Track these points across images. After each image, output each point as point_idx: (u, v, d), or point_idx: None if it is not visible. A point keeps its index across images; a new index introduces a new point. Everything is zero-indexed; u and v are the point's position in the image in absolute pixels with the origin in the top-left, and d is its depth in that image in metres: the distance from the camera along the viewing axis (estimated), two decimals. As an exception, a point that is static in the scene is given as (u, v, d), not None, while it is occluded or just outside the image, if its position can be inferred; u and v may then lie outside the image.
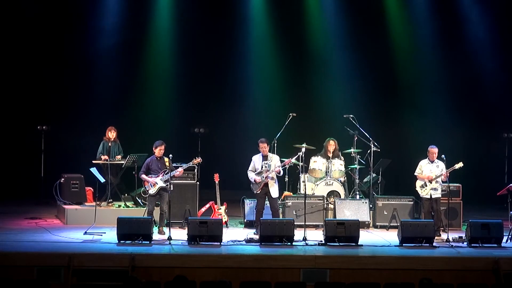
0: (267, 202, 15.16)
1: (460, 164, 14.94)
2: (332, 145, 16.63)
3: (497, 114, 20.03)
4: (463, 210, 16.21)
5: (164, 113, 19.88)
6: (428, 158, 15.22)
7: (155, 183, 14.79)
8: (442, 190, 15.15)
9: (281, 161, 15.27)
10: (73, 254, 12.53)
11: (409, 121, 20.02)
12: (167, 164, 14.76)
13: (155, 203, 14.98)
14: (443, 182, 15.08)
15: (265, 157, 15.07)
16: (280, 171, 15.10)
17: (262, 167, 15.00)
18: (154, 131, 18.62)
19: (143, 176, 14.91)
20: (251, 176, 15.07)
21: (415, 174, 15.33)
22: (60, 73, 19.41)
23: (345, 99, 19.63)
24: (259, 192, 15.02)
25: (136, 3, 19.63)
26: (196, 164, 15.70)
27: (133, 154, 16.32)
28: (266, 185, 14.97)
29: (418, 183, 15.29)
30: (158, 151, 14.90)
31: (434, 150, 15.16)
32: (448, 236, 14.36)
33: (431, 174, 15.13)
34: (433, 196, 15.10)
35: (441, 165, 15.09)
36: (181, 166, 15.18)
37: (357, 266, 12.76)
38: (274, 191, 15.01)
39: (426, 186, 15.14)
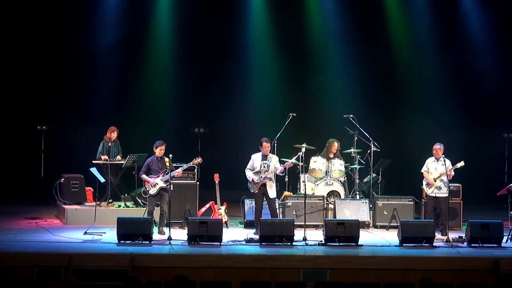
0: (265, 202, 15.17)
1: (462, 163, 14.95)
2: (335, 146, 16.67)
3: (497, 114, 20.03)
4: (463, 210, 16.21)
5: (164, 113, 19.87)
6: (434, 156, 15.22)
7: (155, 183, 14.79)
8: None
9: (281, 162, 15.26)
10: (73, 254, 12.53)
11: (409, 121, 20.02)
12: (167, 164, 14.76)
13: (155, 203, 14.97)
14: (450, 181, 15.07)
15: (264, 157, 15.07)
16: (283, 171, 15.10)
17: (260, 167, 15.00)
18: (154, 131, 18.62)
19: (144, 176, 14.91)
20: (249, 175, 15.06)
21: (421, 171, 15.34)
22: (60, 73, 19.41)
23: (345, 99, 19.62)
24: (256, 191, 15.03)
25: (135, 5, 19.61)
26: (196, 164, 15.70)
27: (133, 154, 16.32)
28: (264, 185, 14.96)
29: (425, 181, 15.31)
30: (159, 151, 14.89)
31: (436, 147, 15.14)
32: (448, 236, 14.38)
33: (435, 172, 15.12)
34: (437, 195, 15.10)
35: (448, 162, 15.09)
36: (181, 166, 15.18)
37: (357, 266, 12.76)
38: (272, 191, 15.01)
39: (431, 184, 15.15)
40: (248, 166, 15.14)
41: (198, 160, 15.32)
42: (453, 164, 15.10)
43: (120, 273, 12.14)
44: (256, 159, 15.12)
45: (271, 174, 14.99)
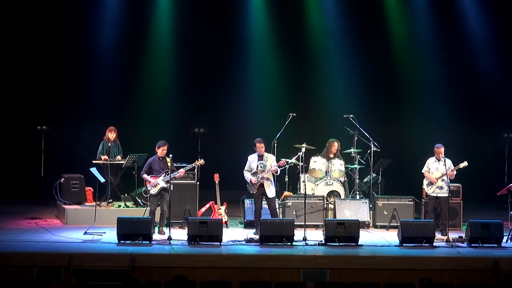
0: (265, 202, 15.17)
1: (465, 163, 14.95)
2: (335, 146, 16.67)
3: (497, 114, 20.03)
4: (463, 210, 16.21)
5: (164, 113, 19.87)
6: (435, 157, 15.23)
7: (156, 183, 14.78)
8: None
9: (278, 161, 15.25)
10: (73, 254, 12.53)
11: (409, 120, 20.03)
12: (169, 164, 14.76)
13: (157, 203, 14.96)
14: (450, 180, 15.07)
15: (260, 157, 15.07)
16: (277, 171, 15.10)
17: (257, 167, 15.01)
18: (154, 131, 18.61)
19: (145, 175, 14.90)
20: (247, 176, 15.08)
21: (422, 171, 15.36)
22: (60, 73, 19.41)
23: (345, 99, 19.62)
24: (255, 192, 15.04)
25: (135, 5, 19.61)
26: (198, 166, 15.67)
27: (133, 154, 16.31)
28: (262, 185, 14.97)
29: (425, 181, 15.32)
30: (161, 151, 14.88)
31: (439, 150, 15.15)
32: (448, 236, 14.38)
33: (437, 172, 15.13)
34: (438, 195, 15.10)
35: (449, 162, 15.10)
36: (183, 167, 15.16)
37: (357, 266, 12.76)
38: (270, 191, 15.01)
39: (432, 184, 15.16)
40: (246, 168, 15.15)
41: (201, 162, 15.29)
42: (455, 164, 15.11)
43: (120, 273, 12.14)
44: (252, 160, 15.12)
45: (268, 174, 14.99)
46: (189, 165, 15.26)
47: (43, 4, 19.38)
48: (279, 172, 15.25)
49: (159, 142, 14.96)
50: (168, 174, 14.68)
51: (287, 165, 15.66)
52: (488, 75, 19.94)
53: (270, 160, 15.10)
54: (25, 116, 19.46)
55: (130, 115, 19.48)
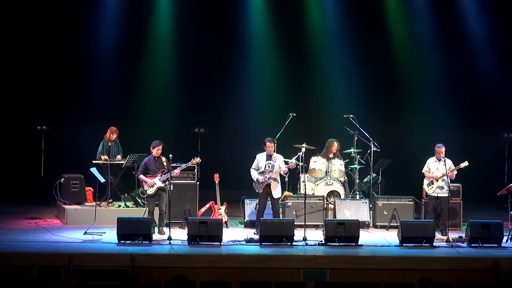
0: (269, 202, 15.16)
1: (465, 163, 14.95)
2: (335, 146, 16.67)
3: (497, 114, 20.03)
4: (463, 210, 16.21)
5: (164, 113, 19.88)
6: (436, 157, 15.23)
7: (153, 183, 14.77)
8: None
9: (285, 162, 15.24)
10: (73, 254, 12.53)
11: (409, 120, 20.03)
12: (164, 164, 14.76)
13: (154, 203, 14.96)
14: (451, 180, 15.08)
15: (269, 157, 15.05)
16: (287, 171, 15.11)
17: (265, 167, 14.99)
18: (154, 131, 18.60)
19: (141, 176, 14.89)
20: (254, 174, 15.05)
21: (423, 171, 15.36)
22: (60, 73, 19.41)
23: (345, 99, 19.62)
24: (261, 191, 15.02)
25: (135, 4, 19.61)
26: (195, 164, 15.68)
27: (133, 154, 16.32)
28: (268, 185, 14.95)
29: (426, 181, 15.32)
30: (156, 151, 14.87)
31: (440, 149, 15.15)
32: (448, 236, 14.38)
33: (437, 172, 15.14)
34: (439, 195, 15.11)
35: (449, 162, 15.11)
36: (179, 167, 15.16)
37: (357, 266, 12.76)
38: (276, 192, 14.99)
39: (432, 184, 15.17)
40: (253, 166, 15.11)
41: (197, 160, 15.31)
42: (455, 164, 15.11)
43: (120, 273, 12.14)
44: (261, 159, 15.10)
45: (276, 174, 14.97)
46: (184, 164, 15.26)
47: (43, 4, 19.38)
48: (288, 173, 15.26)
49: (153, 142, 14.95)
50: (164, 174, 14.68)
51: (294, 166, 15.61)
52: (488, 75, 19.94)
53: (279, 160, 15.08)
54: (25, 116, 19.46)
55: (130, 115, 19.47)
